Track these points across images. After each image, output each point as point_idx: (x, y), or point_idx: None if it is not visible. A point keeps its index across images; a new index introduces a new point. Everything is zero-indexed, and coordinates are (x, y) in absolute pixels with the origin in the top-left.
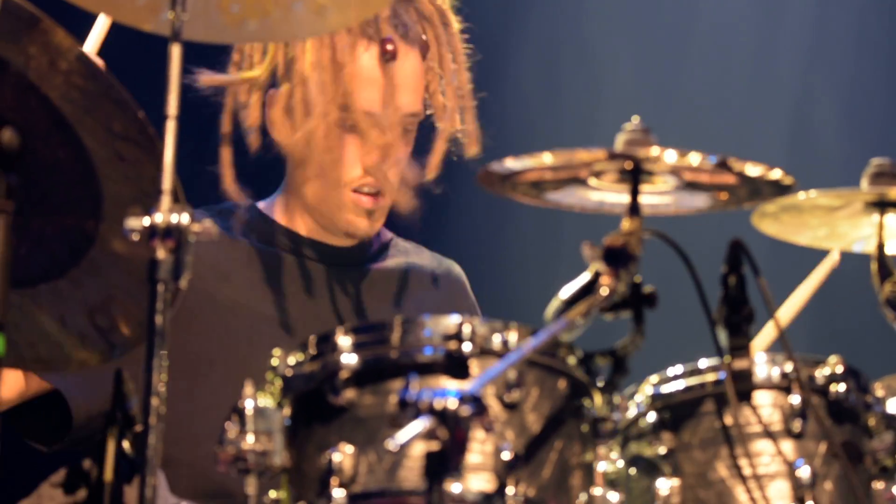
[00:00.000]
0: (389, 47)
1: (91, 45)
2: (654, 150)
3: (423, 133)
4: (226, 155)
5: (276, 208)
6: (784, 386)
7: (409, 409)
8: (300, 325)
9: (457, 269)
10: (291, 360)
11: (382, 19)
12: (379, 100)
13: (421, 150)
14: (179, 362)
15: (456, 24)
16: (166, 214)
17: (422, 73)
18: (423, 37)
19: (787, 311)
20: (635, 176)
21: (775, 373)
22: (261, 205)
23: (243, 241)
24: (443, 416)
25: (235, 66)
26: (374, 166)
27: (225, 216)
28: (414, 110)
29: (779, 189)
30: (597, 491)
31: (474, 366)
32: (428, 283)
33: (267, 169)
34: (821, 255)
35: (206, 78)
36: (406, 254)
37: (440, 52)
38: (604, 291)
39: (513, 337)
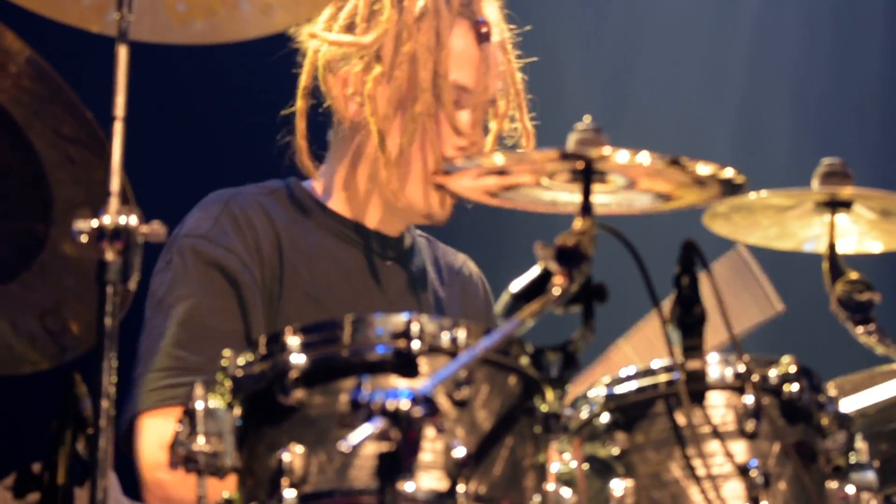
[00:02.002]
0: (484, 29)
1: None
2: (606, 150)
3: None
4: (301, 126)
5: (331, 191)
6: (737, 386)
7: (361, 411)
8: None
9: (472, 265)
10: (241, 361)
11: (476, 0)
12: (474, 77)
13: None
14: None
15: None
16: (114, 216)
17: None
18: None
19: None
20: (587, 175)
21: (728, 373)
22: (312, 187)
23: (310, 228)
24: (395, 418)
25: (344, 28)
26: (466, 147)
27: (273, 196)
28: (494, 95)
29: (730, 188)
30: (549, 487)
31: (423, 364)
32: (452, 279)
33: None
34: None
35: (314, 33)
36: (432, 248)
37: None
38: (556, 291)
39: (462, 334)
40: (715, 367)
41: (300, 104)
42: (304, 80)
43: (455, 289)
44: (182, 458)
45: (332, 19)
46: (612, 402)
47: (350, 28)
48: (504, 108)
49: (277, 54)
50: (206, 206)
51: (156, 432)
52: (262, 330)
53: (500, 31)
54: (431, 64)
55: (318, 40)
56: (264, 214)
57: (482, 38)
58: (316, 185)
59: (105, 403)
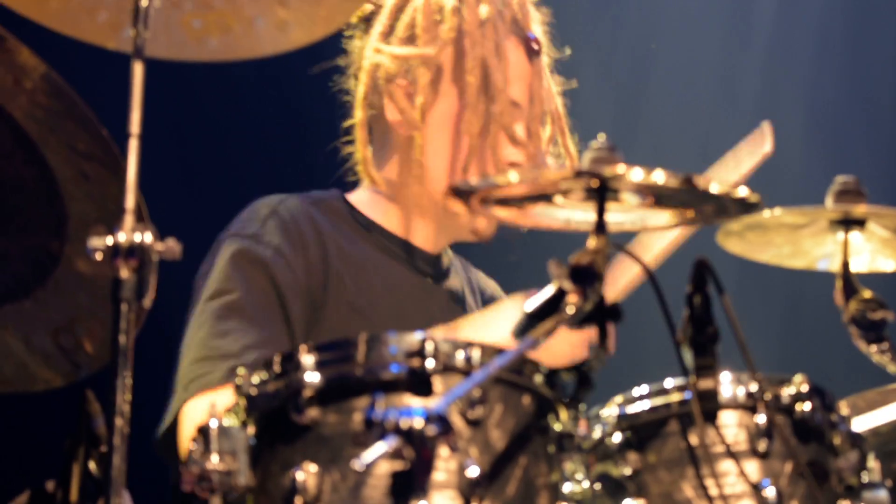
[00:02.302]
0: (535, 45)
1: None
2: (620, 168)
3: None
4: (364, 136)
5: (377, 205)
6: (749, 405)
7: (374, 429)
8: None
9: (499, 292)
10: (255, 379)
11: (525, 14)
12: (527, 93)
13: None
14: None
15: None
16: (129, 234)
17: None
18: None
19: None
20: (601, 194)
21: (741, 392)
22: (355, 199)
23: (353, 241)
24: (409, 436)
25: (405, 41)
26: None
27: (320, 205)
28: (551, 108)
29: (744, 207)
30: None
31: (437, 383)
32: (484, 302)
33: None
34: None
35: (377, 48)
36: (466, 270)
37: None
38: (570, 310)
39: (476, 354)
40: (727, 386)
41: (360, 115)
42: (361, 92)
43: None
44: (196, 476)
45: (387, 32)
46: (625, 422)
47: (411, 40)
48: (551, 132)
49: (292, 71)
50: (254, 209)
51: (192, 418)
52: (301, 334)
53: (546, 50)
54: (500, 68)
55: (382, 55)
56: (311, 222)
57: (533, 53)
58: (359, 198)
59: (119, 421)
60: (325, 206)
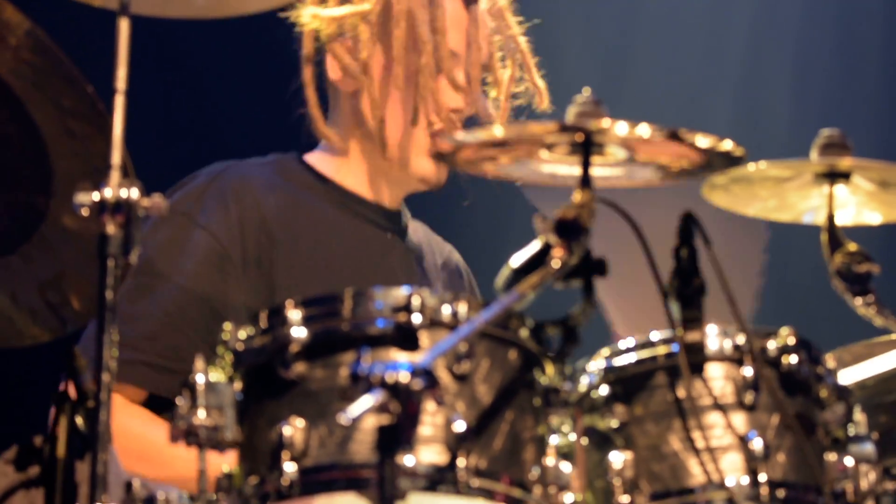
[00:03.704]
0: None
1: None
2: (605, 122)
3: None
4: (312, 95)
5: (333, 164)
6: (736, 358)
7: (360, 383)
8: None
9: (457, 254)
10: (242, 335)
11: None
12: (464, 40)
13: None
14: None
15: None
16: (115, 189)
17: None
18: None
19: None
20: (586, 148)
21: (727, 345)
22: (313, 159)
23: (309, 200)
24: (395, 390)
25: (337, 1)
26: (461, 107)
27: (274, 168)
28: (486, 60)
29: (729, 160)
30: (549, 461)
31: (424, 337)
32: (441, 263)
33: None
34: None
35: (314, 13)
36: (424, 231)
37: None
38: (556, 264)
39: (462, 308)
40: (714, 339)
41: (306, 74)
42: (305, 52)
43: (444, 274)
44: (183, 431)
45: None
46: (611, 375)
47: None
48: (511, 72)
49: (278, 28)
50: (194, 182)
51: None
52: (242, 302)
53: None
54: (428, 19)
55: (320, 19)
56: (258, 190)
57: (469, 0)
58: (317, 158)
59: (106, 377)
60: (281, 167)
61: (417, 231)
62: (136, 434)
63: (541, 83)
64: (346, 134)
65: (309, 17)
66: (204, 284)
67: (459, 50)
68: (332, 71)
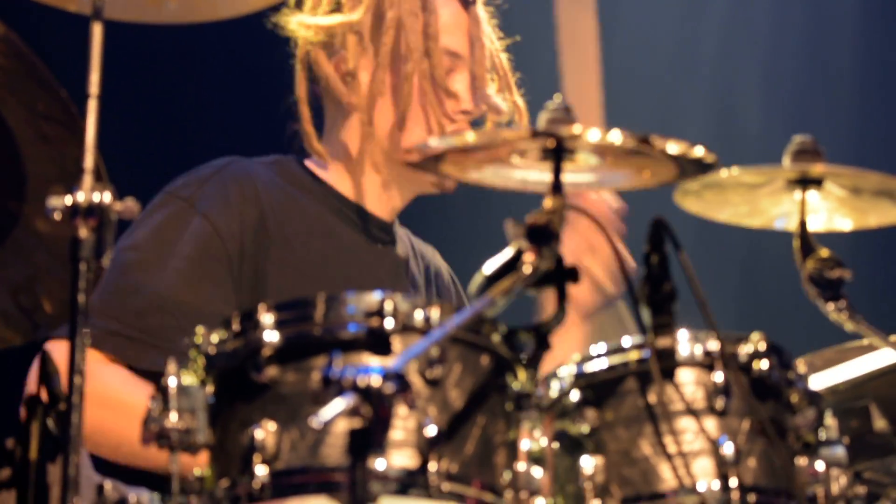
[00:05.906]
0: None
1: None
2: (576, 129)
3: None
4: (306, 112)
5: (331, 172)
6: (707, 363)
7: (332, 387)
8: None
9: (439, 258)
10: (214, 338)
11: None
12: (465, 41)
13: None
14: None
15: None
16: (88, 193)
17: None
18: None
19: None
20: (557, 154)
21: (698, 350)
22: (312, 164)
23: (306, 203)
24: (366, 394)
25: (331, 11)
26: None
27: (275, 169)
28: (492, 58)
29: (701, 167)
30: (520, 467)
31: (396, 342)
32: (427, 269)
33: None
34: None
35: (302, 21)
36: (409, 238)
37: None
38: (527, 269)
39: (435, 313)
40: (685, 344)
41: (301, 92)
42: (300, 68)
43: (429, 279)
44: (154, 434)
45: (316, 4)
46: (583, 380)
47: (338, 8)
48: (497, 85)
49: (252, 34)
50: (199, 170)
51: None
52: (233, 299)
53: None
54: (419, 27)
55: (310, 28)
56: (258, 186)
57: (467, 2)
58: (316, 164)
59: (78, 379)
60: (281, 168)
61: (403, 239)
62: (114, 389)
63: (521, 102)
64: (347, 142)
65: (296, 25)
66: (196, 271)
67: (463, 51)
68: (329, 82)
